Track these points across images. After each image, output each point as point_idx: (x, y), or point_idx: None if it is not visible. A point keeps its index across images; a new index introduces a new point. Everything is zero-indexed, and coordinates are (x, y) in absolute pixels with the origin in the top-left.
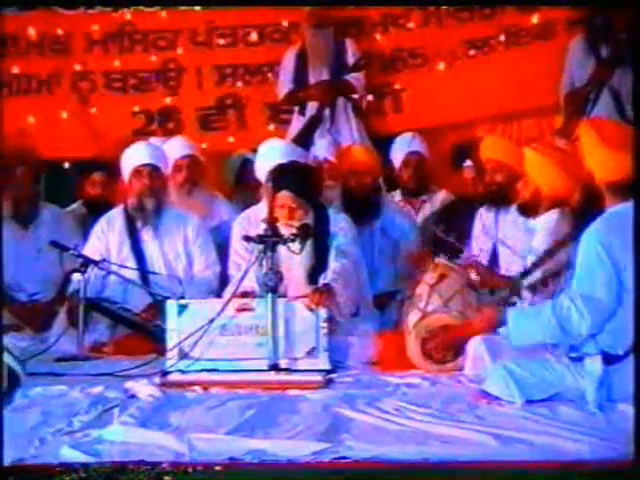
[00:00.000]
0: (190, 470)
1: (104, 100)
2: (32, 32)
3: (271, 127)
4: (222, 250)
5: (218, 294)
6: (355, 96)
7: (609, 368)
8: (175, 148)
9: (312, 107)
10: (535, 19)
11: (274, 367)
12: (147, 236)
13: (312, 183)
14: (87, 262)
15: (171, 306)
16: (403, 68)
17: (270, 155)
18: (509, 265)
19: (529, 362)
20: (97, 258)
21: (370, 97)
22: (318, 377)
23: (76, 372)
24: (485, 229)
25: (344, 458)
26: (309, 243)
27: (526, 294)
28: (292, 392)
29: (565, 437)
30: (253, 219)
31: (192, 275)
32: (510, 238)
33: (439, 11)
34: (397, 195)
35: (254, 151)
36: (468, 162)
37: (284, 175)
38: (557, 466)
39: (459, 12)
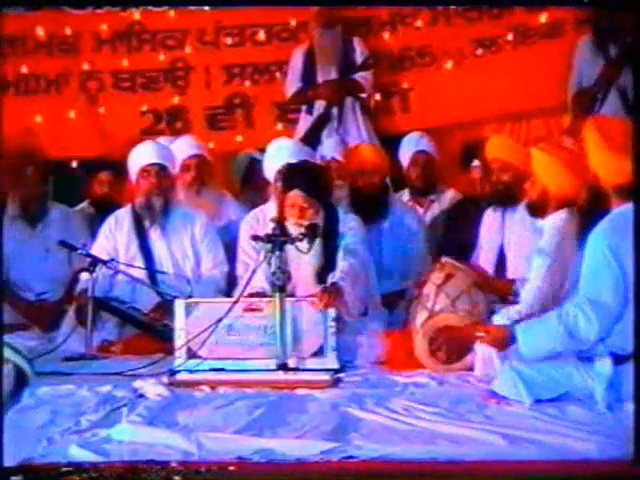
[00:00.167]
0: (202, 469)
1: (112, 99)
2: (40, 32)
3: (279, 126)
4: (230, 250)
5: (226, 293)
6: (363, 95)
7: (618, 368)
8: (183, 148)
9: (320, 106)
10: (543, 19)
11: (282, 366)
12: (155, 235)
13: (323, 183)
14: (95, 261)
15: (179, 305)
16: (411, 67)
17: (279, 154)
18: (516, 265)
19: (538, 362)
20: (105, 257)
21: (378, 96)
22: (326, 376)
23: (84, 371)
24: (492, 229)
25: (352, 457)
26: (318, 242)
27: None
28: (300, 391)
29: (574, 437)
30: (261, 218)
31: (200, 274)
32: (517, 238)
33: (447, 10)
34: (405, 195)
35: (262, 151)
36: (476, 162)
37: (294, 174)
38: (565, 466)
39: (467, 11)
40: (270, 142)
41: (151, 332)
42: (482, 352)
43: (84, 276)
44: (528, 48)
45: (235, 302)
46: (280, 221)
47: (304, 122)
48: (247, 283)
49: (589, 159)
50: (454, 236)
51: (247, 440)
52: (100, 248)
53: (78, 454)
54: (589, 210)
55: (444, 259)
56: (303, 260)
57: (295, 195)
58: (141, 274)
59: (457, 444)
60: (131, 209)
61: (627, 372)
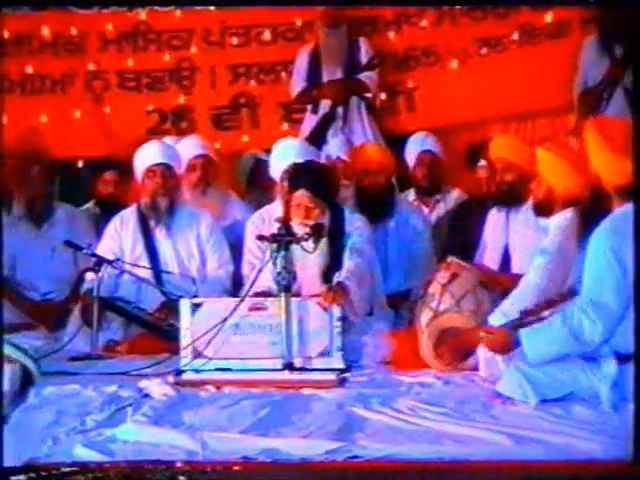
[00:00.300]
0: (207, 469)
1: (118, 99)
2: (46, 32)
3: (284, 126)
4: (235, 249)
5: (232, 293)
6: (368, 95)
7: (622, 367)
8: (189, 148)
9: (325, 106)
10: (549, 18)
11: (288, 366)
12: (160, 235)
13: (329, 182)
14: (100, 261)
15: (185, 305)
16: (416, 67)
17: (285, 154)
18: (521, 265)
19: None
20: (110, 257)
21: (383, 96)
22: (332, 376)
23: (90, 371)
24: (496, 229)
25: (357, 457)
26: (324, 242)
27: None
28: (306, 391)
29: (579, 437)
30: (267, 218)
31: (205, 274)
32: (521, 238)
33: (453, 10)
34: (411, 194)
35: (267, 151)
36: (482, 162)
37: (301, 174)
38: (571, 466)
39: (473, 11)
40: (275, 142)
41: (156, 332)
42: (485, 353)
43: (89, 276)
44: (533, 48)
45: (240, 301)
46: (286, 221)
47: (309, 122)
48: (252, 283)
49: (590, 160)
50: (459, 236)
51: (252, 440)
52: (105, 248)
53: (83, 454)
54: (591, 211)
55: (450, 258)
56: (309, 260)
57: (301, 195)
58: (146, 274)
59: (462, 444)
60: (136, 209)
61: (631, 371)
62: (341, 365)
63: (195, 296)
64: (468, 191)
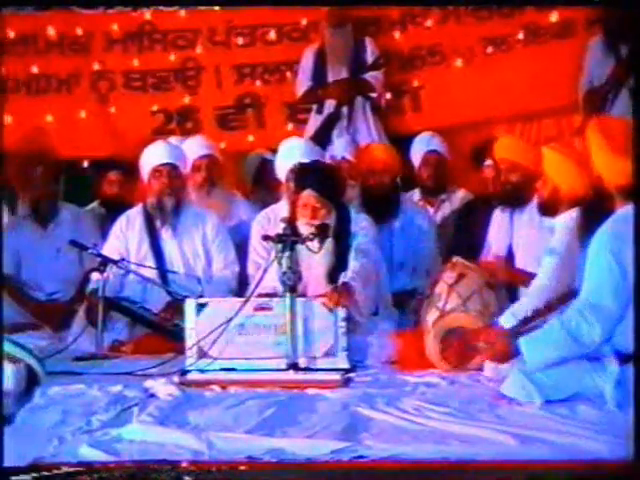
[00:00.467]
0: (213, 469)
1: (123, 99)
2: (51, 32)
3: (289, 126)
4: (241, 250)
5: (237, 293)
6: (373, 95)
7: (625, 366)
8: (194, 148)
9: (330, 105)
10: (554, 18)
11: (293, 366)
12: (166, 235)
13: (335, 182)
14: (106, 261)
15: (190, 305)
16: (422, 66)
17: (291, 154)
18: (524, 265)
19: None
20: (116, 257)
21: (389, 95)
22: (337, 376)
23: (95, 371)
24: (501, 230)
25: (363, 457)
26: (329, 242)
27: None
28: (311, 391)
29: (584, 436)
30: (272, 218)
31: (211, 274)
32: (525, 239)
33: (458, 9)
34: (416, 194)
35: (273, 151)
36: (488, 161)
37: (307, 174)
38: (576, 465)
39: (478, 10)
40: (281, 142)
41: (161, 332)
42: None
43: (95, 276)
44: (539, 47)
45: (245, 302)
46: (291, 221)
47: (314, 121)
48: (258, 283)
49: (593, 159)
50: (465, 236)
51: (258, 440)
52: (111, 248)
53: (89, 454)
54: (593, 211)
55: (455, 259)
56: (314, 260)
57: (307, 195)
58: (152, 274)
59: (468, 444)
60: (142, 209)
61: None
62: (346, 365)
63: (200, 296)
64: (473, 191)
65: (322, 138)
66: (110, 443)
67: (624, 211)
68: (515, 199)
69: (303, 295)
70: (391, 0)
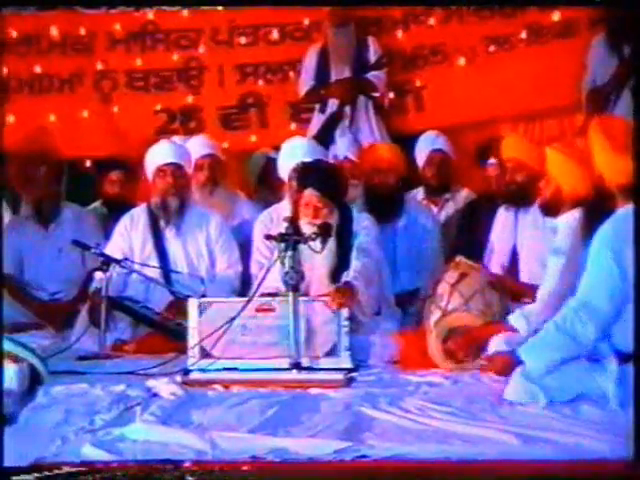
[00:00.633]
0: (216, 469)
1: (126, 99)
2: (54, 32)
3: (292, 126)
4: (244, 249)
5: (240, 293)
6: (376, 94)
7: (626, 366)
8: (196, 147)
9: (332, 105)
10: (557, 17)
11: (295, 366)
12: (170, 235)
13: (337, 182)
14: (109, 261)
15: (193, 305)
16: (424, 66)
17: (293, 153)
18: (528, 265)
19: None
20: (120, 256)
21: (391, 95)
22: (339, 376)
23: (98, 371)
24: (505, 229)
25: (365, 457)
26: (332, 242)
27: None
28: (314, 391)
29: (588, 436)
30: (275, 218)
31: (214, 274)
32: (529, 239)
33: (460, 9)
34: (420, 193)
35: (277, 149)
36: (493, 160)
37: (309, 173)
38: (579, 465)
39: (480, 10)
40: (284, 141)
41: (164, 331)
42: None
43: (98, 275)
44: (541, 47)
45: (248, 302)
46: (293, 220)
47: (316, 121)
48: (260, 283)
49: (594, 159)
50: (468, 235)
51: (261, 439)
52: (115, 247)
53: (91, 453)
54: (595, 210)
55: (458, 258)
56: (317, 260)
57: (310, 194)
58: (155, 273)
59: (471, 443)
60: (146, 208)
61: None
62: (349, 365)
63: (203, 296)
64: (477, 190)
65: (325, 137)
66: (113, 443)
67: (625, 210)
68: (520, 199)
69: (306, 295)
70: (394, 0)
